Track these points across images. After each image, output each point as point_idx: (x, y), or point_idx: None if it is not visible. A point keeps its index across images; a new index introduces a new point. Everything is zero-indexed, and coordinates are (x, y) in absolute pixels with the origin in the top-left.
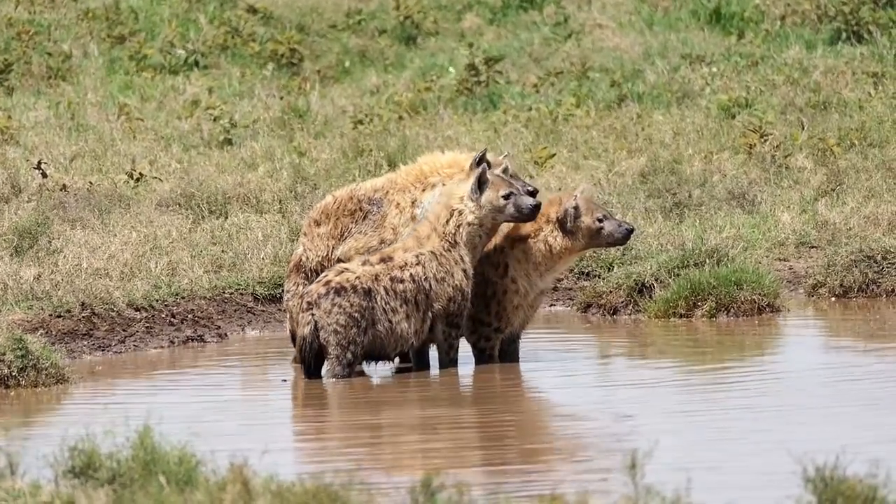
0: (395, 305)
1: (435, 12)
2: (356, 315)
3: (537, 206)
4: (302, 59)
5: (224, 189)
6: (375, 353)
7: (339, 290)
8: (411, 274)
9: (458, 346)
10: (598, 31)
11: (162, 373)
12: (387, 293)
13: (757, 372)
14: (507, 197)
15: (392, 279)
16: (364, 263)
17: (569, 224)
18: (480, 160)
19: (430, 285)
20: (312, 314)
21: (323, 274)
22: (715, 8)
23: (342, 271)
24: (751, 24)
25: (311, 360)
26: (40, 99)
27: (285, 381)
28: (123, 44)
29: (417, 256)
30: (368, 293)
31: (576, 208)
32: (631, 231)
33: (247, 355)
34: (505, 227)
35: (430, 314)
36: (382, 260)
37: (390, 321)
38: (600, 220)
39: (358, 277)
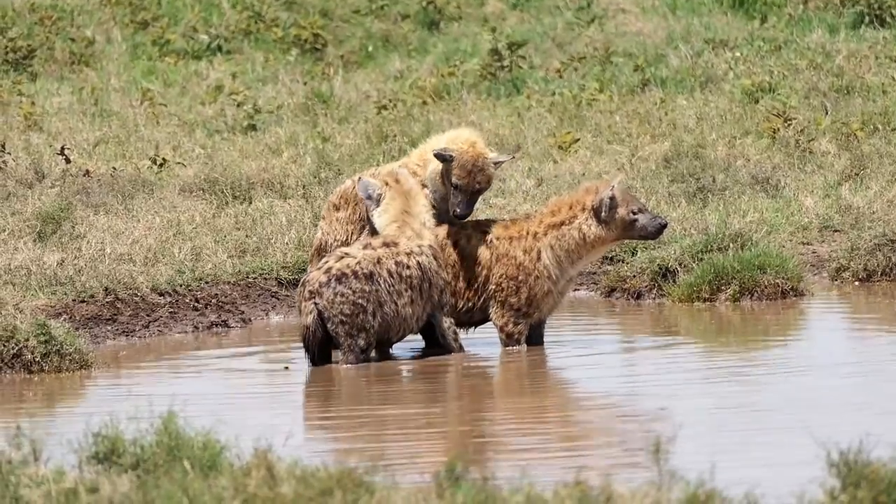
0: (401, 289)
1: None
2: (360, 301)
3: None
4: (325, 44)
5: (248, 174)
6: (381, 338)
7: (340, 278)
8: (418, 262)
9: (457, 330)
10: (622, 16)
11: (186, 358)
12: (390, 276)
13: (780, 356)
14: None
15: (397, 263)
16: (365, 247)
17: (604, 213)
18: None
19: (433, 276)
20: (315, 303)
21: (323, 260)
22: None
23: (342, 256)
24: (774, 8)
25: (315, 348)
26: (63, 84)
27: (287, 368)
28: (146, 29)
29: (420, 247)
30: (370, 277)
31: (612, 198)
32: (664, 226)
33: (271, 340)
34: (532, 216)
35: (429, 304)
36: (385, 244)
37: (396, 303)
38: (635, 213)
39: (359, 262)
